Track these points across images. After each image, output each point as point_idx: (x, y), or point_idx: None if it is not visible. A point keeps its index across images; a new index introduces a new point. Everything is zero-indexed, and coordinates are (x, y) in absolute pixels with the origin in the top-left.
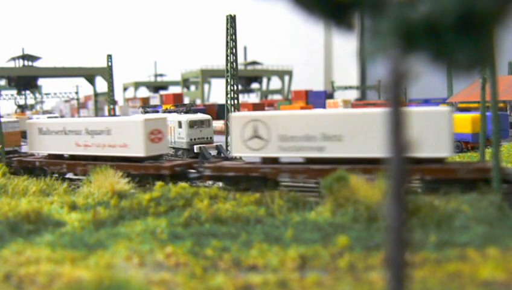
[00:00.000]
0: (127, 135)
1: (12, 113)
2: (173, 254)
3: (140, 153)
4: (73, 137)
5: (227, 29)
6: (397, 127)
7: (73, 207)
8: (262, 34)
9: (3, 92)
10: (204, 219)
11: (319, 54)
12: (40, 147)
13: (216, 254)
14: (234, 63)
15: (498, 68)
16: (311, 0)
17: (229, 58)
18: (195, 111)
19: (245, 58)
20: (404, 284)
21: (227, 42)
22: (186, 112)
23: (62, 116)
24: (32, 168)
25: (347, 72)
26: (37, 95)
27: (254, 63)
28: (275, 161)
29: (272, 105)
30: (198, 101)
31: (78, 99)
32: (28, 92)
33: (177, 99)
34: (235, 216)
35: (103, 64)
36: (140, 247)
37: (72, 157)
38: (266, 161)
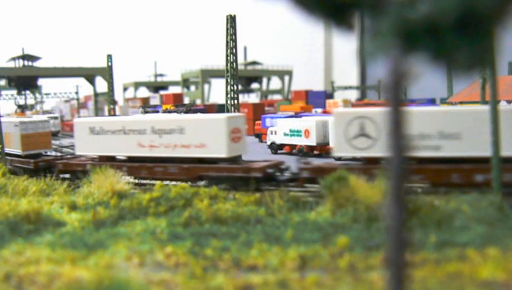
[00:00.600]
0: (205, 134)
1: (12, 113)
2: (173, 254)
3: (221, 153)
4: (135, 137)
5: (227, 29)
6: (397, 127)
7: (73, 207)
8: (262, 34)
9: (3, 92)
10: (204, 219)
11: (319, 54)
12: (92, 148)
13: (216, 254)
14: (234, 63)
15: (498, 68)
16: (311, 0)
17: (229, 58)
18: (195, 111)
19: (245, 58)
20: (404, 284)
21: (227, 42)
22: (186, 112)
23: (62, 116)
24: (82, 171)
25: (347, 72)
26: (37, 95)
27: (254, 63)
28: (377, 161)
29: (272, 105)
30: (198, 101)
31: (78, 99)
32: (28, 92)
33: (177, 99)
34: (235, 216)
35: (103, 64)
36: (140, 247)
37: (132, 159)
38: (371, 161)
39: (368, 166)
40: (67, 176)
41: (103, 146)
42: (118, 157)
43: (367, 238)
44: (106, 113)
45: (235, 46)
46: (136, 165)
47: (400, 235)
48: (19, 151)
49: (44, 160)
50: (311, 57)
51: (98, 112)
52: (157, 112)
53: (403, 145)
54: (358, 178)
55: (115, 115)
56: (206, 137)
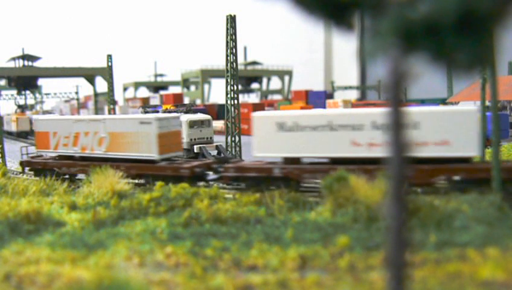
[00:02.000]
0: (450, 129)
1: (12, 113)
2: (173, 254)
3: (472, 151)
4: (346, 134)
5: (227, 29)
6: (397, 127)
7: (73, 207)
8: (262, 34)
9: (3, 92)
10: (204, 219)
11: (319, 54)
12: (279, 148)
13: (216, 254)
14: (234, 63)
15: (498, 68)
16: (311, 0)
17: (229, 58)
18: (195, 111)
19: (245, 58)
20: (404, 284)
21: (227, 42)
22: (186, 112)
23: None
24: (269, 179)
25: (347, 72)
26: (37, 95)
27: (254, 63)
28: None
29: (272, 105)
30: (198, 101)
31: (78, 99)
32: (28, 92)
33: (177, 99)
34: (235, 216)
35: (103, 64)
36: (140, 247)
37: (335, 161)
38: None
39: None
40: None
41: (296, 145)
42: (303, 158)
43: (367, 238)
44: (106, 113)
45: (235, 46)
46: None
47: (400, 235)
48: (149, 156)
49: (203, 164)
50: (311, 57)
51: (98, 112)
52: (157, 112)
53: (403, 145)
54: (357, 178)
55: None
56: (451, 132)
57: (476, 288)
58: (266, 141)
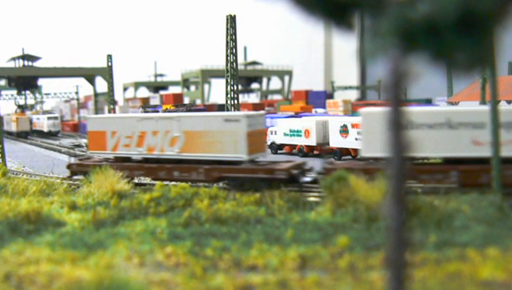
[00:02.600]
0: None
1: (12, 113)
2: (173, 254)
3: None
4: (467, 132)
5: (227, 29)
6: (397, 127)
7: (73, 207)
8: (262, 34)
9: (3, 92)
10: (204, 219)
11: (319, 54)
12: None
13: (216, 254)
14: (234, 63)
15: (498, 68)
16: (311, 0)
17: (229, 58)
18: (196, 111)
19: (245, 58)
20: (404, 284)
21: (227, 42)
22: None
23: (62, 116)
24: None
25: (347, 72)
26: (37, 95)
27: (254, 63)
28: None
29: (272, 105)
30: (198, 101)
31: (78, 99)
32: (28, 92)
33: (177, 99)
34: (235, 216)
35: (103, 64)
36: (140, 247)
37: (448, 160)
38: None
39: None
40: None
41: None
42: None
43: (367, 238)
44: (106, 113)
45: (235, 46)
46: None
47: (400, 235)
48: (236, 156)
49: (295, 165)
50: (311, 57)
51: (98, 112)
52: (157, 111)
53: (402, 145)
54: (358, 178)
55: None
56: None
57: (476, 288)
58: (375, 140)
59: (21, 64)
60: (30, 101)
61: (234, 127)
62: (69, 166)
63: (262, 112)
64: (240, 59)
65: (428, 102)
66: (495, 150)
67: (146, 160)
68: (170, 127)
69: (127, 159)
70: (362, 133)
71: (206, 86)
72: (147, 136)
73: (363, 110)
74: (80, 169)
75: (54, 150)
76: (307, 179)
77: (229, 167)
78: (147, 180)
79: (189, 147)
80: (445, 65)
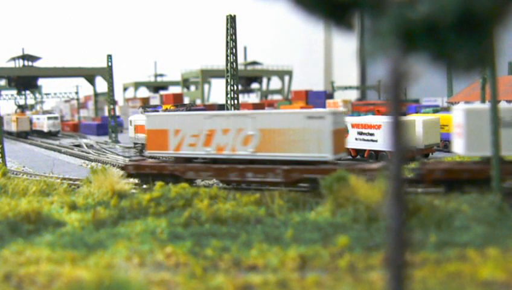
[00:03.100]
0: None
1: (12, 113)
2: (173, 254)
3: None
4: None
5: (227, 29)
6: (397, 127)
7: (73, 207)
8: (262, 34)
9: (3, 92)
10: (204, 219)
11: (319, 54)
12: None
13: (216, 254)
14: (234, 63)
15: (498, 68)
16: (311, 0)
17: (229, 58)
18: (195, 111)
19: (245, 58)
20: (404, 284)
21: (227, 42)
22: None
23: (62, 116)
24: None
25: (347, 72)
26: (37, 95)
27: (254, 63)
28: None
29: (272, 105)
30: (198, 101)
31: (78, 99)
32: (28, 92)
33: (177, 99)
34: (235, 216)
35: (103, 64)
36: (140, 247)
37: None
38: None
39: None
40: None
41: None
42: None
43: (367, 238)
44: (106, 113)
45: (235, 46)
46: None
47: (400, 235)
48: (320, 156)
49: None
50: (311, 57)
51: (98, 112)
52: (157, 112)
53: (403, 145)
54: (358, 178)
55: (115, 115)
56: None
57: (476, 288)
58: (479, 139)
59: (21, 64)
60: (30, 101)
61: (318, 124)
62: (125, 167)
63: (342, 109)
64: (240, 59)
65: (416, 102)
66: (495, 150)
67: (214, 160)
68: (243, 125)
69: (190, 160)
70: (462, 131)
71: (206, 86)
72: (216, 134)
73: (463, 107)
74: (138, 170)
75: (54, 150)
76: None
77: (311, 168)
78: (211, 181)
79: (266, 147)
80: (445, 65)
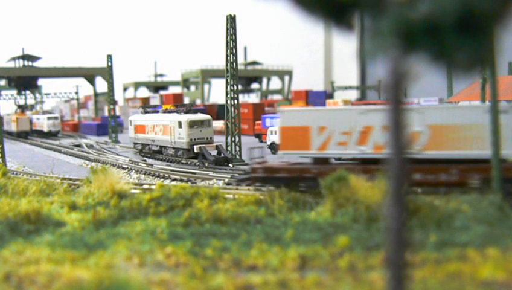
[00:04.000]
0: None
1: (12, 113)
2: (173, 254)
3: None
4: None
5: (227, 29)
6: (397, 126)
7: (73, 207)
8: (262, 34)
9: (3, 92)
10: (204, 219)
11: (319, 54)
12: None
13: (216, 254)
14: (234, 63)
15: (498, 68)
16: (311, 0)
17: (229, 58)
18: (195, 111)
19: (245, 58)
20: (404, 284)
21: (227, 42)
22: (186, 112)
23: (62, 116)
24: None
25: (347, 72)
26: (37, 95)
27: (254, 63)
28: None
29: (271, 105)
30: (198, 101)
31: (78, 99)
32: (28, 92)
33: (177, 99)
34: (235, 216)
35: (103, 64)
36: (140, 247)
37: None
38: None
39: None
40: None
41: None
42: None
43: (367, 238)
44: (106, 113)
45: (235, 46)
46: None
47: (400, 235)
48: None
49: None
50: (311, 57)
51: (98, 112)
52: (157, 112)
53: (402, 145)
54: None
55: (115, 115)
56: None
57: (476, 288)
58: None
59: (21, 64)
60: (30, 101)
61: (502, 119)
62: (254, 170)
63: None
64: (240, 59)
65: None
66: (495, 150)
67: (364, 161)
68: (475, 119)
69: (326, 160)
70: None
71: (206, 86)
72: (373, 131)
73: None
74: (269, 174)
75: (54, 150)
76: None
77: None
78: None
79: (437, 144)
80: (445, 65)
